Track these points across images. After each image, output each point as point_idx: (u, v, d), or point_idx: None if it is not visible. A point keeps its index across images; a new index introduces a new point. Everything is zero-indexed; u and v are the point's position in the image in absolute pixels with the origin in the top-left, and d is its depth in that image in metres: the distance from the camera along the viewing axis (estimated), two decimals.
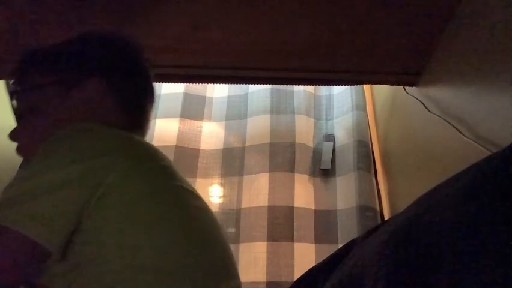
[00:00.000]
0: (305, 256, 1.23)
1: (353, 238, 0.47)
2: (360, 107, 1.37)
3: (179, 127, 1.42)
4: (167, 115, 1.44)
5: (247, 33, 0.98)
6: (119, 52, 0.79)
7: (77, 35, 0.80)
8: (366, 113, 1.39)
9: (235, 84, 1.42)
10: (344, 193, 1.28)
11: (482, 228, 0.29)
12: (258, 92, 1.46)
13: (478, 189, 0.32)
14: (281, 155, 1.34)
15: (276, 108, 1.42)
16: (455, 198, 0.33)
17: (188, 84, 1.46)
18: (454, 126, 0.85)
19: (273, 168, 1.32)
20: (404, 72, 1.08)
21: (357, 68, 1.09)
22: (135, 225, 0.62)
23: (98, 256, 0.59)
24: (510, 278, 0.27)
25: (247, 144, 1.40)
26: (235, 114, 1.47)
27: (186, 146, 1.40)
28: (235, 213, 1.31)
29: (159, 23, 0.95)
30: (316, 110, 1.46)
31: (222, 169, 1.38)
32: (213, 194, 1.36)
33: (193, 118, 1.45)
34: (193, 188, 0.74)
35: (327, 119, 1.45)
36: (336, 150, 1.37)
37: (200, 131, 1.44)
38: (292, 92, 1.45)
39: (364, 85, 1.40)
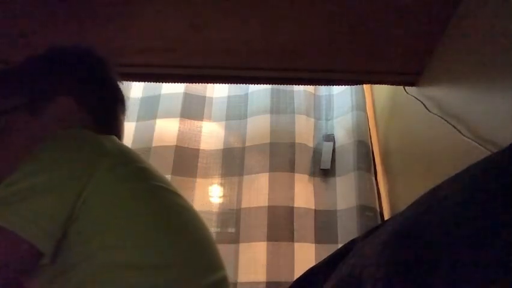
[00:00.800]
0: (305, 256, 1.23)
1: (353, 238, 0.48)
2: (360, 107, 1.37)
3: (179, 127, 1.42)
4: (167, 115, 1.44)
5: (247, 33, 0.98)
6: (83, 66, 0.81)
7: (40, 52, 0.80)
8: (366, 113, 1.39)
9: (235, 84, 1.42)
10: (344, 193, 1.28)
11: (482, 229, 0.29)
12: (258, 92, 1.46)
13: (478, 189, 0.32)
14: (281, 155, 1.34)
15: (276, 108, 1.42)
16: (455, 198, 0.33)
17: (188, 84, 1.45)
18: (453, 126, 0.85)
19: (273, 168, 1.32)
20: (404, 72, 1.08)
21: (357, 68, 1.09)
22: (118, 225, 0.63)
23: (84, 257, 0.60)
24: (510, 277, 0.27)
25: (247, 144, 1.40)
26: (235, 114, 1.47)
27: (186, 146, 1.40)
28: (235, 213, 1.31)
29: (159, 23, 0.95)
30: (316, 110, 1.46)
31: (222, 169, 1.38)
32: (213, 194, 1.36)
33: (193, 118, 1.45)
34: (173, 187, 0.76)
35: (327, 119, 1.45)
36: (336, 150, 1.37)
37: (200, 131, 1.44)
38: (292, 92, 1.45)
39: (364, 85, 1.40)
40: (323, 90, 1.50)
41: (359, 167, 1.27)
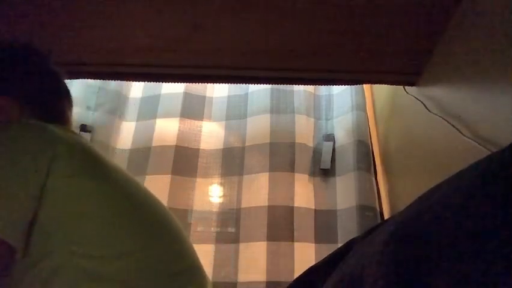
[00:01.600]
0: (305, 256, 1.23)
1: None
2: (360, 107, 1.37)
3: (179, 127, 1.42)
4: (167, 115, 1.44)
5: (247, 33, 0.98)
6: (21, 63, 0.81)
7: None
8: (366, 113, 1.39)
9: (235, 84, 1.42)
10: (344, 193, 1.28)
11: (482, 228, 0.29)
12: (258, 91, 1.46)
13: (478, 189, 0.32)
14: (281, 155, 1.34)
15: (276, 108, 1.42)
16: (455, 198, 0.33)
17: (188, 84, 1.46)
18: (453, 126, 0.85)
19: (273, 168, 1.32)
20: (404, 72, 1.08)
21: (357, 68, 1.09)
22: (79, 216, 0.64)
23: (49, 249, 0.61)
24: (510, 277, 0.27)
25: (247, 144, 1.40)
26: (235, 114, 1.47)
27: (186, 145, 1.40)
28: (235, 213, 1.31)
29: (159, 23, 0.95)
30: (316, 110, 1.46)
31: (222, 169, 1.38)
32: (213, 193, 1.36)
33: (193, 118, 1.45)
34: (128, 174, 0.78)
35: (327, 119, 1.45)
36: (336, 150, 1.37)
37: (200, 131, 1.44)
38: (292, 91, 1.45)
39: (364, 85, 1.40)
40: (322, 90, 1.50)
41: (359, 167, 1.27)
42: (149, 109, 1.47)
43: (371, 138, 1.36)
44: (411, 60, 1.03)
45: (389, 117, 1.32)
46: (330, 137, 1.39)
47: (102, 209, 0.67)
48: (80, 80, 1.39)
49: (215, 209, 1.33)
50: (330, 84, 1.41)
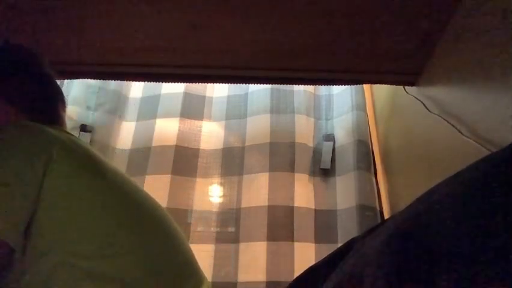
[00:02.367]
0: (305, 256, 1.23)
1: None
2: (360, 106, 1.37)
3: (179, 127, 1.42)
4: (167, 115, 1.44)
5: (247, 33, 0.98)
6: (14, 66, 0.80)
7: None
8: (366, 112, 1.39)
9: (235, 84, 1.42)
10: (344, 193, 1.28)
11: (482, 228, 0.29)
12: (258, 91, 1.46)
13: (478, 189, 0.32)
14: (281, 155, 1.34)
15: (276, 108, 1.42)
16: (455, 197, 0.33)
17: (188, 84, 1.46)
18: (453, 126, 0.85)
19: (273, 168, 1.32)
20: (404, 72, 1.08)
21: (357, 68, 1.09)
22: (75, 217, 0.65)
23: (46, 249, 0.62)
24: (510, 277, 0.27)
25: (247, 144, 1.40)
26: (235, 114, 1.47)
27: (186, 145, 1.40)
28: (235, 213, 1.31)
29: (159, 23, 0.95)
30: (316, 110, 1.46)
31: (221, 169, 1.38)
32: (213, 193, 1.36)
33: (193, 118, 1.45)
34: (124, 174, 0.78)
35: (327, 119, 1.45)
36: (336, 149, 1.37)
37: (200, 131, 1.44)
38: (292, 91, 1.45)
39: (364, 85, 1.40)
40: (322, 90, 1.50)
41: (359, 167, 1.27)
42: (149, 109, 1.47)
43: (371, 138, 1.36)
44: (411, 60, 1.03)
45: (389, 117, 1.32)
46: (330, 137, 1.39)
47: (99, 208, 0.67)
48: (80, 80, 1.39)
49: (215, 209, 1.33)
50: (330, 84, 1.41)
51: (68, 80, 1.41)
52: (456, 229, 0.31)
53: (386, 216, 1.25)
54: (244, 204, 1.31)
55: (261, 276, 1.18)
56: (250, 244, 1.24)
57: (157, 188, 1.29)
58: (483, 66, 0.77)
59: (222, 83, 1.33)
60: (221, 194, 1.36)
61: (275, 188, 1.29)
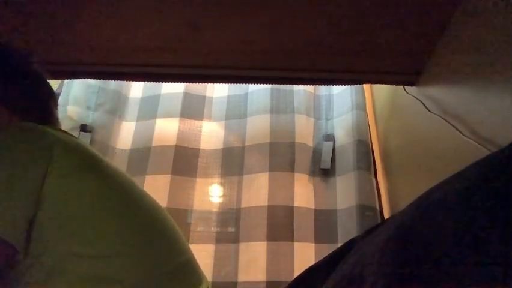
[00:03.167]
0: (305, 256, 1.23)
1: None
2: (360, 106, 1.37)
3: (179, 127, 1.42)
4: (167, 115, 1.44)
5: (247, 33, 0.98)
6: (3, 66, 0.79)
7: None
8: (366, 112, 1.39)
9: (235, 84, 1.42)
10: (344, 193, 1.28)
11: (482, 228, 0.29)
12: (258, 91, 1.46)
13: (478, 189, 0.32)
14: (281, 155, 1.34)
15: (276, 108, 1.42)
16: (455, 197, 0.33)
17: (188, 84, 1.46)
18: (453, 126, 0.85)
19: (273, 167, 1.32)
20: (404, 72, 1.08)
21: (357, 68, 1.09)
22: (78, 216, 0.65)
23: (47, 249, 0.62)
24: (510, 276, 0.27)
25: (247, 143, 1.40)
26: (235, 113, 1.47)
27: (186, 145, 1.40)
28: (235, 213, 1.31)
29: (159, 23, 0.95)
30: (316, 110, 1.46)
31: (221, 169, 1.39)
32: (213, 193, 1.36)
33: (193, 118, 1.45)
34: (125, 174, 0.79)
35: (327, 119, 1.45)
36: (336, 149, 1.37)
37: (200, 131, 1.44)
38: (292, 91, 1.45)
39: (364, 85, 1.40)
40: (322, 90, 1.50)
41: (359, 167, 1.27)
42: (149, 109, 1.47)
43: (371, 138, 1.36)
44: (411, 60, 1.03)
45: (389, 117, 1.32)
46: (330, 137, 1.39)
47: (100, 208, 0.67)
48: (80, 80, 1.39)
49: (215, 209, 1.33)
50: (330, 84, 1.41)
51: (68, 80, 1.41)
52: (456, 229, 0.31)
53: (386, 216, 1.25)
54: (244, 204, 1.31)
55: (261, 276, 1.18)
56: (250, 244, 1.24)
57: (157, 188, 1.29)
58: (483, 66, 0.77)
59: (222, 83, 1.33)
60: (221, 194, 1.36)
61: (275, 188, 1.29)
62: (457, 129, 0.83)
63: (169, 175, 1.33)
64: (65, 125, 1.32)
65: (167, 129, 1.42)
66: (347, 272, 0.38)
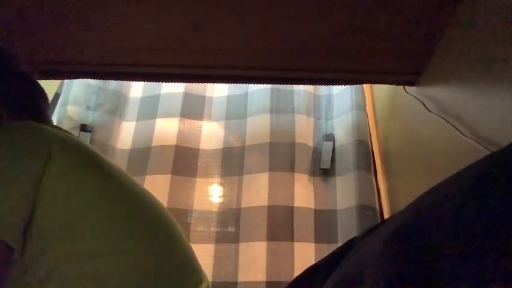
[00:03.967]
0: (305, 256, 1.23)
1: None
2: (360, 106, 1.38)
3: (179, 127, 1.42)
4: (167, 115, 1.44)
5: (247, 33, 0.98)
6: None
7: None
8: (366, 112, 1.39)
9: (235, 84, 1.42)
10: (344, 193, 1.28)
11: (482, 228, 0.29)
12: (258, 91, 1.46)
13: (478, 189, 0.32)
14: (281, 155, 1.34)
15: (276, 108, 1.42)
16: (455, 197, 0.33)
17: (188, 84, 1.46)
18: (453, 126, 0.85)
19: (272, 167, 1.32)
20: (404, 71, 1.08)
21: (357, 67, 1.09)
22: (78, 215, 0.64)
23: (46, 248, 0.61)
24: (510, 277, 0.27)
25: (247, 143, 1.40)
26: (235, 113, 1.47)
27: (186, 145, 1.40)
28: (234, 213, 1.31)
29: (159, 23, 0.95)
30: (316, 110, 1.46)
31: (221, 169, 1.39)
32: (213, 193, 1.36)
33: (193, 118, 1.45)
34: (123, 171, 0.79)
35: (327, 119, 1.45)
36: (336, 149, 1.37)
37: (200, 131, 1.44)
38: (292, 91, 1.45)
39: (364, 85, 1.40)
40: (322, 89, 1.50)
41: (359, 167, 1.27)
42: (149, 109, 1.47)
43: (371, 138, 1.36)
44: (411, 60, 1.03)
45: (389, 117, 1.32)
46: (330, 137, 1.39)
47: (99, 206, 0.67)
48: (80, 80, 1.39)
49: (215, 209, 1.33)
50: (330, 84, 1.41)
51: (68, 80, 1.41)
52: (456, 229, 0.31)
53: (386, 216, 1.25)
54: (244, 204, 1.31)
55: (261, 276, 1.18)
56: (250, 244, 1.24)
57: (157, 188, 1.29)
58: (483, 66, 0.77)
59: (222, 83, 1.33)
60: (221, 194, 1.36)
61: (275, 188, 1.29)
62: (457, 129, 0.83)
63: (169, 175, 1.33)
64: (65, 125, 1.32)
65: (167, 129, 1.42)
66: (347, 272, 0.38)
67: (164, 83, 1.35)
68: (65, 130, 0.79)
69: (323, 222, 1.28)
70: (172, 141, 1.39)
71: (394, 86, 1.18)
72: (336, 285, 0.39)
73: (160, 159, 1.36)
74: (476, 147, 0.75)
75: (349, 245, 0.45)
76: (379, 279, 0.32)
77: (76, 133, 1.32)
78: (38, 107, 0.82)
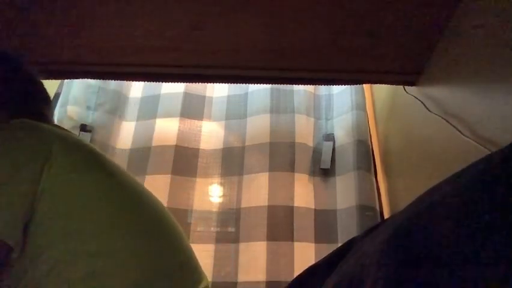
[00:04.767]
0: (305, 255, 1.23)
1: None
2: (360, 106, 1.38)
3: (179, 127, 1.42)
4: (167, 115, 1.44)
5: (247, 33, 0.98)
6: None
7: None
8: (366, 112, 1.39)
9: (235, 84, 1.42)
10: (344, 192, 1.28)
11: (482, 228, 0.29)
12: (258, 91, 1.46)
13: (478, 189, 0.32)
14: (281, 155, 1.34)
15: (276, 108, 1.42)
16: (455, 197, 0.33)
17: (188, 84, 1.46)
18: (453, 126, 0.85)
19: (272, 167, 1.32)
20: (404, 71, 1.08)
21: (357, 67, 1.09)
22: (78, 213, 0.65)
23: (46, 247, 0.61)
24: (510, 277, 0.27)
25: (247, 143, 1.40)
26: (235, 113, 1.47)
27: (186, 145, 1.40)
28: (235, 213, 1.31)
29: (159, 23, 0.95)
30: (316, 110, 1.46)
31: (221, 169, 1.39)
32: (213, 193, 1.36)
33: (193, 118, 1.45)
34: (123, 170, 0.79)
35: (327, 119, 1.45)
36: (336, 149, 1.37)
37: (200, 131, 1.44)
38: (292, 91, 1.45)
39: (364, 85, 1.40)
40: (322, 89, 1.50)
41: (359, 167, 1.27)
42: (149, 109, 1.47)
43: (371, 138, 1.36)
44: (411, 60, 1.03)
45: (389, 117, 1.32)
46: (330, 137, 1.39)
47: (99, 205, 0.67)
48: (80, 80, 1.39)
49: (215, 209, 1.33)
50: (330, 84, 1.41)
51: (68, 80, 1.41)
52: (456, 229, 0.31)
53: (386, 216, 1.25)
54: (244, 204, 1.31)
55: (261, 276, 1.18)
56: (250, 244, 1.24)
57: (157, 188, 1.29)
58: (483, 66, 0.77)
59: (222, 83, 1.33)
60: (221, 194, 1.36)
61: (275, 188, 1.29)
62: (457, 129, 0.83)
63: (169, 175, 1.33)
64: (65, 125, 1.32)
65: (167, 129, 1.42)
66: (347, 272, 0.38)
67: (164, 83, 1.35)
68: (65, 129, 0.79)
69: (323, 222, 1.28)
70: (172, 141, 1.39)
71: (394, 86, 1.18)
72: (336, 285, 0.39)
73: (160, 159, 1.36)
74: (476, 147, 0.74)
75: (349, 245, 0.45)
76: (379, 279, 0.32)
77: (75, 133, 1.32)
78: (38, 108, 0.82)
